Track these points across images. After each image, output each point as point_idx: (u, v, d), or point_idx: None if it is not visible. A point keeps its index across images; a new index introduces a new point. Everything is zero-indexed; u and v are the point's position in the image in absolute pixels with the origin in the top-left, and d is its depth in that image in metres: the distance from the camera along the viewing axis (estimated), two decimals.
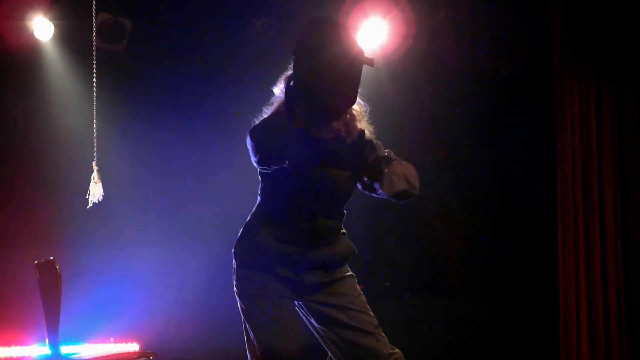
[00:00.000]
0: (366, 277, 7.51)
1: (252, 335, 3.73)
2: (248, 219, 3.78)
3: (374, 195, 3.61)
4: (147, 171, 7.55)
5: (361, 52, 3.50)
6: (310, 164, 3.44)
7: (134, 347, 7.11)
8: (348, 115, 3.64)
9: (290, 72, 3.60)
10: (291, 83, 3.54)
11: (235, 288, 3.77)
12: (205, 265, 7.41)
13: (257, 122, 3.63)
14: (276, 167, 3.48)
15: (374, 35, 7.01)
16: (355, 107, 3.67)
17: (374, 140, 3.69)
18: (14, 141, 7.44)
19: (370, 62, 3.50)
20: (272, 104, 3.69)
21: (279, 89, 3.67)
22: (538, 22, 6.92)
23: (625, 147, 6.89)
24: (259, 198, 3.77)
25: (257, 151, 3.47)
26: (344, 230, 3.82)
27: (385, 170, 3.40)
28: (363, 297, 3.81)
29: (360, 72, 3.51)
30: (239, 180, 7.56)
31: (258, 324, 3.69)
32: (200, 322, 7.52)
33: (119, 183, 7.08)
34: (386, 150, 3.64)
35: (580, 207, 6.84)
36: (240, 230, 3.78)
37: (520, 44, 7.01)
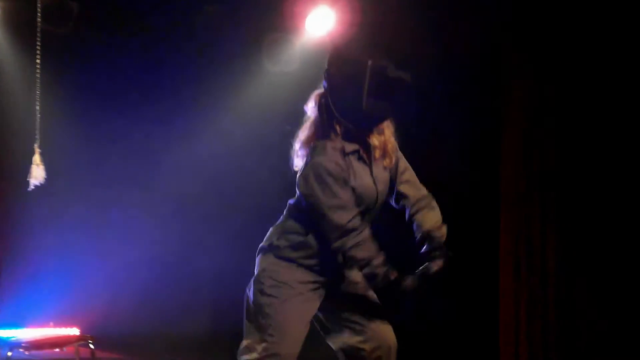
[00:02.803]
0: None
1: (269, 323, 3.74)
2: (286, 221, 3.86)
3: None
4: (92, 155, 7.53)
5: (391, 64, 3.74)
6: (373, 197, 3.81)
7: (73, 331, 7.06)
8: (384, 136, 3.86)
9: (320, 90, 3.82)
10: (323, 100, 3.77)
11: (265, 277, 3.82)
12: (146, 249, 7.43)
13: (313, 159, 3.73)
14: None
15: (322, 22, 7.14)
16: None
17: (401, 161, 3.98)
18: None
19: (407, 79, 3.75)
20: (305, 122, 3.86)
21: (310, 108, 3.85)
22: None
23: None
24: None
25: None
26: None
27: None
28: None
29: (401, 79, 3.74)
30: (184, 164, 7.60)
31: (284, 318, 3.75)
32: (140, 306, 7.52)
33: (61, 166, 7.01)
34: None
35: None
36: (278, 228, 3.88)
37: (470, 33, 7.02)
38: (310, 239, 3.76)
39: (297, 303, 3.75)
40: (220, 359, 7.02)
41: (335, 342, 3.92)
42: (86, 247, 7.47)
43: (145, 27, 7.37)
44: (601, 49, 6.60)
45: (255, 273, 3.85)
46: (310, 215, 3.74)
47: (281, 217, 3.90)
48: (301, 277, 3.79)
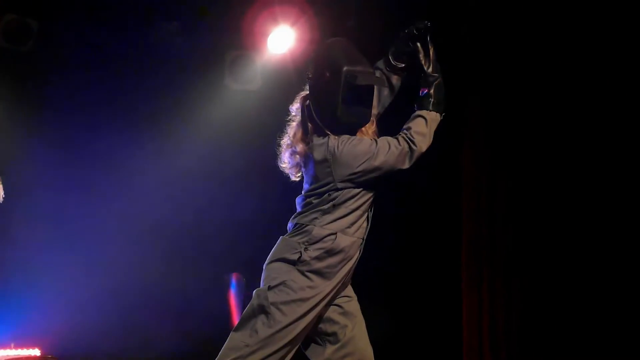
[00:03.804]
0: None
1: (269, 333, 3.72)
2: (310, 230, 3.80)
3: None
4: (51, 173, 7.46)
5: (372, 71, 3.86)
6: None
7: (35, 352, 7.00)
8: (366, 133, 3.92)
9: (304, 92, 3.88)
10: (306, 104, 3.83)
11: (281, 291, 3.75)
12: (108, 268, 7.39)
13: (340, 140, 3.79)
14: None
15: (283, 41, 7.20)
16: None
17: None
18: None
19: (379, 84, 3.90)
20: (292, 122, 3.94)
21: (295, 109, 3.93)
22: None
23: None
24: (327, 207, 3.80)
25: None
26: None
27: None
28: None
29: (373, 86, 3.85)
30: (145, 185, 7.56)
31: (286, 334, 3.74)
32: (104, 326, 7.46)
33: (21, 185, 6.96)
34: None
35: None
36: (302, 238, 3.81)
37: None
38: (340, 238, 3.76)
39: (303, 323, 3.73)
40: None
41: (316, 356, 3.89)
42: (47, 266, 7.39)
43: (105, 45, 7.35)
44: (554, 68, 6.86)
45: (272, 282, 3.77)
46: (365, 188, 3.80)
47: (296, 230, 3.85)
48: (321, 288, 3.76)
